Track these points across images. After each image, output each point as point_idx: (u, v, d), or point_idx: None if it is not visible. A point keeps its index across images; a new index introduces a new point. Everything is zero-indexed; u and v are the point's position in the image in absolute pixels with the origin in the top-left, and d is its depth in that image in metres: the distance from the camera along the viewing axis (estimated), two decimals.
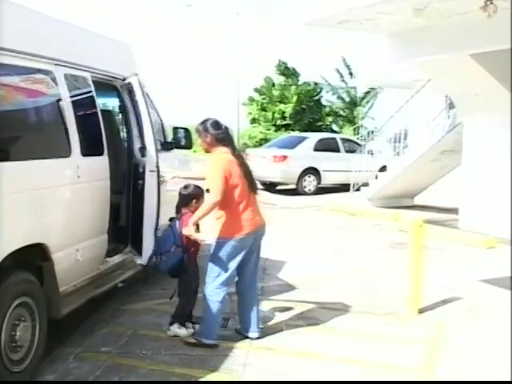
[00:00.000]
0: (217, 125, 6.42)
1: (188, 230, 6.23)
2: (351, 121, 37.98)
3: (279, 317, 7.41)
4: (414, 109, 18.54)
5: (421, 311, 7.77)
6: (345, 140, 23.56)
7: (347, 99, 39.86)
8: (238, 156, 6.43)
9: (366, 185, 18.74)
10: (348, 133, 34.05)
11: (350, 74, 39.20)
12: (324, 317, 7.48)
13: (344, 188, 20.32)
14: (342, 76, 39.67)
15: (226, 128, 6.47)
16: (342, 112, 39.61)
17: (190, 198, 6.70)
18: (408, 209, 17.43)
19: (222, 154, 6.35)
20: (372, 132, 23.35)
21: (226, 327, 6.91)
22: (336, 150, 22.22)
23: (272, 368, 5.91)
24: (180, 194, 6.84)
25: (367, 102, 40.00)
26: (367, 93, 39.26)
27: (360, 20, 11.65)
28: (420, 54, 12.61)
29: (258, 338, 6.56)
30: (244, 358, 6.10)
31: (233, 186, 6.22)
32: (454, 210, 15.33)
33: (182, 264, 6.55)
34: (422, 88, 17.49)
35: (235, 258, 6.31)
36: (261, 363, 6.00)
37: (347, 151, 22.12)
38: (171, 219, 6.86)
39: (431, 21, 11.36)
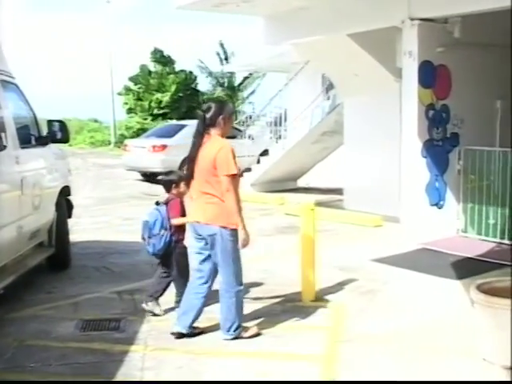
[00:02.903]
0: None
1: (176, 220, 6.97)
2: None
3: (174, 313, 7.06)
4: (294, 91, 18.53)
5: (318, 295, 7.63)
6: None
7: (226, 85, 39.72)
8: (193, 147, 6.22)
9: (248, 170, 18.59)
10: None
11: (226, 59, 39.10)
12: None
13: None
14: (221, 60, 39.51)
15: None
16: (220, 98, 39.42)
17: (169, 183, 7.19)
18: (292, 192, 17.42)
19: None
20: (250, 117, 23.28)
21: (119, 329, 6.55)
22: None
23: (172, 370, 5.57)
24: (162, 180, 7.45)
25: (246, 88, 40.01)
26: (246, 78, 39.25)
27: (237, 2, 11.42)
28: (298, 36, 12.53)
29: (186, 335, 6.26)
30: (141, 361, 5.73)
31: None
32: (338, 191, 15.42)
33: (170, 246, 6.98)
34: (301, 70, 17.47)
35: (191, 246, 6.55)
36: (159, 366, 5.65)
37: (227, 137, 21.78)
38: (157, 203, 7.18)
39: (309, 2, 11.27)
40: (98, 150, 37.53)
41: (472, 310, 5.99)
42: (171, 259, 7.04)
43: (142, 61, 39.22)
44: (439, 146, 10.78)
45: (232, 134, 21.67)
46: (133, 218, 13.35)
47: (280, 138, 18.86)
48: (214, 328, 6.51)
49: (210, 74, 39.57)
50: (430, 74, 10.48)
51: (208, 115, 6.22)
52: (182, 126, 22.25)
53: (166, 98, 36.29)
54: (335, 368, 5.63)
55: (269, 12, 12.55)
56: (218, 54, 39.63)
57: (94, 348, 6.07)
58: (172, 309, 7.05)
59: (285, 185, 17.99)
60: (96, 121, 49.40)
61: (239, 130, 22.08)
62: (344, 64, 13.32)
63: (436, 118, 10.67)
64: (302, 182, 18.86)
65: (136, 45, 73.76)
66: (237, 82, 39.95)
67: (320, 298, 7.60)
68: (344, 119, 14.71)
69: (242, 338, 6.26)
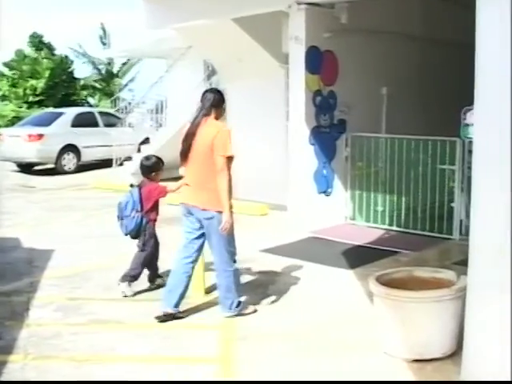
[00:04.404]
0: None
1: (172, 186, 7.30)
2: (108, 93, 36.93)
3: (55, 316, 6.61)
4: (175, 78, 18.10)
5: (207, 291, 7.30)
6: (103, 114, 22.70)
7: (104, 71, 38.75)
8: (191, 124, 6.28)
9: (129, 159, 18.03)
10: (106, 106, 33.06)
11: (104, 43, 38.13)
12: (104, 310, 6.77)
13: (106, 164, 19.50)
14: (104, 44, 38.44)
15: (203, 93, 6.43)
16: (98, 85, 38.40)
17: (150, 170, 7.56)
18: (175, 180, 16.89)
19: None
20: (130, 104, 22.75)
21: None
22: (95, 124, 21.34)
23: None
24: (141, 163, 7.62)
25: (124, 74, 39.16)
26: (124, 64, 38.41)
27: None
28: (181, 20, 12.09)
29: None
30: (21, 372, 5.22)
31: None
32: None
33: (141, 227, 7.30)
34: (183, 56, 17.04)
35: (184, 225, 6.49)
36: (41, 376, 5.14)
37: (106, 125, 21.27)
38: (131, 185, 7.58)
39: None
40: None
41: (369, 301, 5.84)
42: (144, 239, 7.39)
43: (22, 46, 37.59)
44: (327, 133, 10.66)
45: (111, 122, 21.13)
46: (8, 212, 12.66)
47: (161, 125, 18.42)
48: (99, 331, 6.10)
49: (88, 59, 38.41)
50: (316, 60, 10.31)
51: (218, 98, 6.35)
52: (59, 114, 21.44)
53: (40, 84, 34.98)
54: (232, 369, 5.32)
55: None
56: (101, 37, 38.59)
57: None
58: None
59: (167, 173, 17.29)
60: None
61: (118, 118, 21.48)
62: (228, 49, 13.02)
63: (323, 105, 10.53)
64: (183, 171, 18.42)
65: (18, 29, 70.54)
66: (116, 68, 39.06)
67: (210, 294, 7.26)
68: (227, 106, 14.39)
69: (243, 314, 6.51)
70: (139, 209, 7.29)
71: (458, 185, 9.60)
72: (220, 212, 6.14)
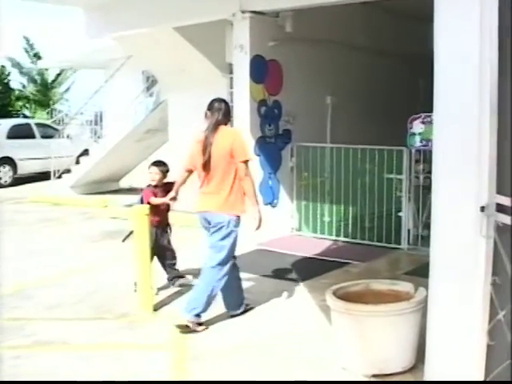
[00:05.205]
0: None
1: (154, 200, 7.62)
2: (44, 104, 36.16)
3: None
4: (115, 88, 17.77)
5: (156, 308, 7.05)
6: (40, 125, 22.29)
7: (39, 82, 37.92)
8: (208, 134, 6.34)
9: (67, 171, 17.62)
10: (41, 117, 32.38)
11: (35, 54, 37.29)
12: (48, 331, 6.45)
13: (44, 176, 19.07)
14: (31, 57, 37.59)
15: (211, 103, 6.54)
16: (33, 96, 37.57)
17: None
18: (114, 193, 16.65)
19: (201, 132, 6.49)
20: (66, 115, 22.32)
21: None
22: (31, 136, 20.90)
23: None
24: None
25: (60, 85, 38.42)
26: (59, 74, 37.67)
27: None
28: (122, 29, 11.86)
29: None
30: None
31: (194, 164, 6.48)
32: None
33: None
34: (122, 66, 16.73)
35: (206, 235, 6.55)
36: None
37: (43, 137, 20.85)
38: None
39: None
40: None
41: (323, 315, 5.69)
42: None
43: None
44: (272, 143, 10.53)
45: (48, 134, 20.67)
46: None
47: (100, 137, 18.06)
48: (43, 354, 5.80)
49: (23, 70, 37.52)
50: (261, 69, 10.18)
51: (227, 107, 6.56)
52: None
53: None
54: None
55: (89, 2, 11.78)
56: (27, 50, 37.72)
57: None
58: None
59: (107, 186, 17.22)
60: None
61: (55, 130, 21.04)
62: (170, 59, 12.83)
63: (268, 115, 10.40)
64: (124, 183, 18.11)
65: None
66: (50, 78, 38.24)
67: (159, 310, 7.04)
68: (169, 116, 14.19)
69: (195, 331, 6.29)
70: None
71: (406, 194, 9.55)
72: (234, 216, 6.33)
